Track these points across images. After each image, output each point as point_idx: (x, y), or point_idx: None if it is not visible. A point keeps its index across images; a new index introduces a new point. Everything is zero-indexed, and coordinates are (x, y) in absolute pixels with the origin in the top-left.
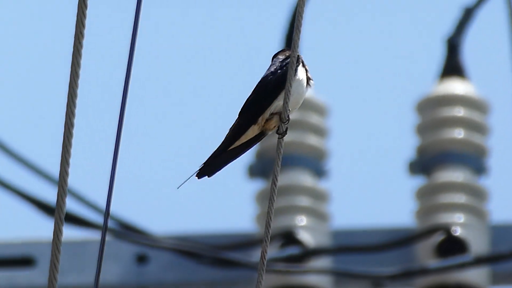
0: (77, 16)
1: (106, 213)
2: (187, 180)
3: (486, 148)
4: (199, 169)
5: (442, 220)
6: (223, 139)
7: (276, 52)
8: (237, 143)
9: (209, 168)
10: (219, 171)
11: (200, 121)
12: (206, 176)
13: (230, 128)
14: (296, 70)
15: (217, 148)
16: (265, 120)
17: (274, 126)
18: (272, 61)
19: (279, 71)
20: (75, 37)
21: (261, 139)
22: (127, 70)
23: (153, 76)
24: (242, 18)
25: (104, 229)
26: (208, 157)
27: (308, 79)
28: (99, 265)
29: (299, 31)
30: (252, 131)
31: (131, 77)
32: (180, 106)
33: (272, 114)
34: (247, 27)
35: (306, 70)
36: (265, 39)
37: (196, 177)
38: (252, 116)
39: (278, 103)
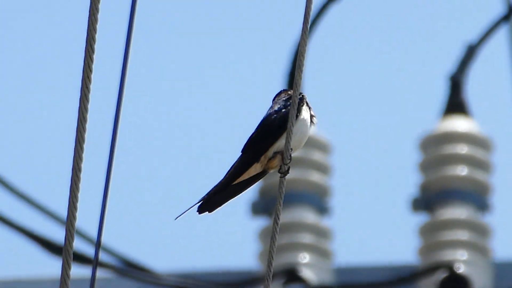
0: (83, 74)
1: (97, 246)
2: (186, 212)
3: (489, 185)
4: (200, 204)
5: (445, 257)
6: (224, 175)
7: (278, 91)
8: (239, 180)
9: (210, 204)
10: (220, 207)
11: (205, 157)
12: (207, 212)
13: (232, 165)
14: (299, 109)
15: (218, 184)
16: (268, 158)
17: (277, 165)
18: (274, 101)
19: (283, 110)
20: (82, 85)
21: (263, 176)
22: (116, 110)
23: (153, 111)
24: (245, 58)
25: (95, 262)
26: (208, 191)
27: (311, 117)
28: None
29: (301, 71)
30: (254, 169)
31: (128, 115)
32: (185, 141)
33: (275, 153)
34: (250, 67)
35: (310, 108)
36: (267, 78)
37: (198, 213)
38: (255, 154)
39: (281, 142)
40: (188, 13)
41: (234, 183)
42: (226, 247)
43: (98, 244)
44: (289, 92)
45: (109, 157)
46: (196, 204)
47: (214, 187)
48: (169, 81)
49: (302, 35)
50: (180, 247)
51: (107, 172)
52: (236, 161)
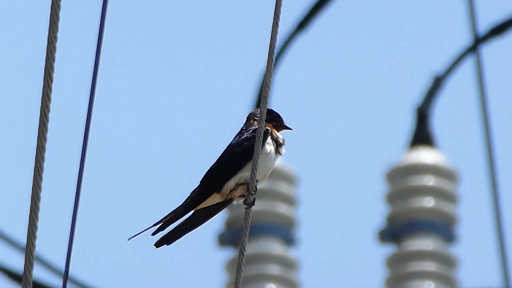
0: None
1: (65, 276)
2: (139, 234)
3: (455, 216)
4: (158, 240)
5: None
6: (182, 203)
7: (251, 112)
8: (199, 208)
9: (169, 236)
10: (178, 240)
11: (169, 183)
12: (166, 245)
13: (190, 194)
14: (264, 143)
15: (174, 211)
16: (229, 190)
17: (240, 196)
18: (241, 129)
19: (245, 142)
20: (41, 111)
21: (225, 207)
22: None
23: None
24: (215, 77)
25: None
26: (164, 217)
27: (278, 147)
28: None
29: (266, 102)
30: (213, 199)
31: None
32: (152, 164)
33: (237, 185)
34: (218, 86)
35: (277, 138)
36: (236, 96)
37: (155, 247)
38: (214, 184)
39: (243, 174)
40: (161, 27)
41: (194, 210)
42: (193, 278)
43: (66, 275)
44: (256, 118)
45: (77, 187)
46: (151, 227)
47: (170, 213)
48: (133, 98)
49: (267, 67)
50: (147, 278)
51: (74, 203)
52: (194, 191)
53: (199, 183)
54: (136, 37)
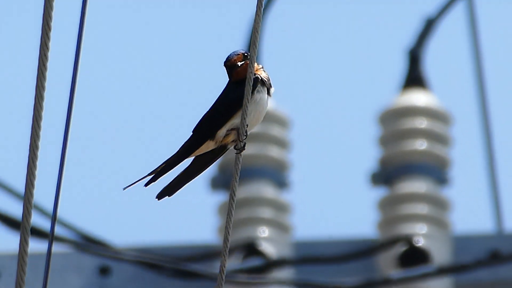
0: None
1: (53, 220)
2: (135, 183)
3: (448, 159)
4: (160, 191)
5: (405, 231)
6: (174, 153)
7: (234, 53)
8: (194, 155)
9: (169, 188)
10: (180, 190)
11: (164, 129)
12: (167, 196)
13: (183, 144)
14: (254, 90)
15: (168, 160)
16: (222, 137)
17: (233, 141)
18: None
19: (236, 90)
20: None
21: (223, 153)
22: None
23: (107, 84)
24: (203, 18)
25: (51, 236)
26: (159, 165)
27: (268, 90)
28: (46, 275)
29: (256, 47)
30: (207, 146)
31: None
32: (143, 112)
33: (229, 130)
34: (208, 28)
35: (266, 80)
36: (226, 42)
37: (157, 199)
38: (206, 133)
39: (234, 121)
40: None
41: (194, 158)
42: (186, 221)
43: (54, 218)
44: (245, 55)
45: (65, 132)
46: (146, 176)
47: (164, 163)
48: (123, 46)
49: (256, 11)
50: (139, 222)
51: (63, 145)
52: (187, 140)
53: (192, 132)
54: None
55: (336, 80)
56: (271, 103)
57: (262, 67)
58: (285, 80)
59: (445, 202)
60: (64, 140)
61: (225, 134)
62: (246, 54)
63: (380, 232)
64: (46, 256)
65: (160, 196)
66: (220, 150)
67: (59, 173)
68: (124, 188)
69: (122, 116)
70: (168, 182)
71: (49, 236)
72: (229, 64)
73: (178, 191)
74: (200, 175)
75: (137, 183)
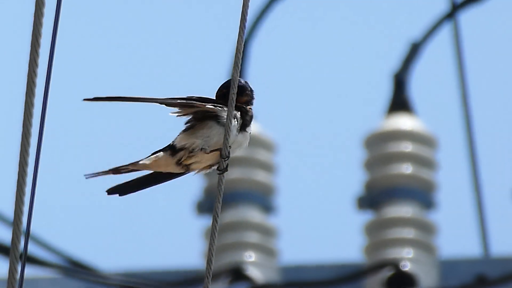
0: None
1: (27, 236)
2: (98, 174)
3: (434, 183)
4: (113, 187)
5: (391, 255)
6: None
7: (222, 86)
8: (144, 168)
9: (123, 187)
10: (131, 193)
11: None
12: (118, 195)
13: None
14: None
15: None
16: (186, 156)
17: (200, 167)
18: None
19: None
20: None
21: (181, 175)
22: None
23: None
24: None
25: (24, 255)
26: (120, 165)
27: (244, 126)
28: None
29: (238, 67)
30: (165, 162)
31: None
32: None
33: (190, 151)
34: (193, 55)
35: (248, 118)
36: (211, 67)
37: (106, 193)
38: (170, 145)
39: (195, 140)
40: None
41: (147, 170)
42: (171, 246)
43: (27, 234)
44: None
45: (36, 154)
46: (109, 171)
47: (129, 164)
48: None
49: (239, 32)
50: (125, 246)
51: (35, 167)
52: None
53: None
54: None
55: (321, 103)
56: (254, 129)
57: (252, 101)
58: (270, 104)
59: (431, 226)
60: (36, 162)
61: (184, 151)
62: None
63: (367, 256)
64: (18, 280)
65: (111, 191)
66: (180, 170)
67: (31, 192)
68: (86, 177)
69: (107, 136)
70: (124, 182)
71: (38, 261)
72: (244, 100)
73: (129, 193)
74: (153, 186)
75: (99, 175)
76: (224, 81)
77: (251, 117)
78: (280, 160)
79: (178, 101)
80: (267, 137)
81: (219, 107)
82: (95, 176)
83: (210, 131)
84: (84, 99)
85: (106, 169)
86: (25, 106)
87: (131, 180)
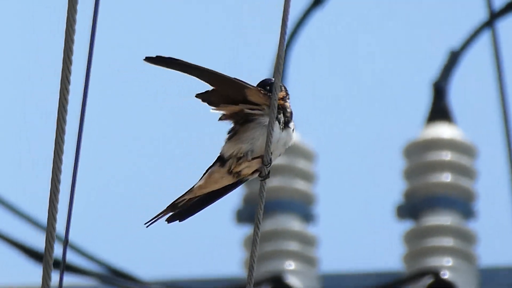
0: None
1: (65, 245)
2: (157, 218)
3: (473, 192)
4: (170, 214)
5: (431, 264)
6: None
7: (263, 81)
8: (206, 188)
9: (182, 212)
10: (191, 217)
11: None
12: (178, 221)
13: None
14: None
15: (190, 191)
16: (233, 163)
17: (247, 173)
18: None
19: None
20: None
21: (237, 186)
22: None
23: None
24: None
25: (63, 263)
26: (179, 198)
27: (286, 123)
28: None
29: (280, 74)
30: (219, 175)
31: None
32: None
33: (238, 157)
34: (232, 61)
35: (288, 114)
36: (251, 73)
37: (166, 222)
38: (218, 157)
39: (241, 145)
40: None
41: (206, 191)
42: (211, 254)
43: (65, 243)
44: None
45: (75, 159)
46: (167, 209)
47: (186, 194)
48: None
49: (280, 39)
50: (164, 254)
51: (74, 169)
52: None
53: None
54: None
55: (361, 112)
56: (294, 138)
57: (288, 96)
58: (310, 113)
59: (470, 234)
60: (74, 171)
61: (233, 159)
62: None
63: (406, 265)
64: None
65: (170, 219)
66: (236, 182)
67: (70, 201)
68: (146, 224)
69: (148, 148)
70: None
71: (77, 270)
72: (281, 95)
73: (189, 218)
74: (212, 204)
75: (158, 218)
76: (260, 81)
77: (291, 113)
78: (320, 169)
79: (236, 80)
80: (306, 145)
81: (267, 94)
82: (155, 220)
83: (254, 132)
84: (146, 58)
85: (162, 209)
86: (59, 104)
87: (187, 203)
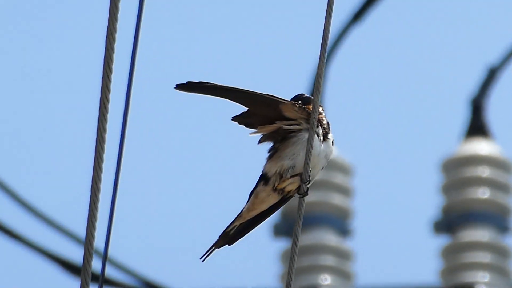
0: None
1: (104, 260)
2: (211, 252)
3: (510, 207)
4: (220, 239)
5: (467, 279)
6: (243, 208)
7: (297, 96)
8: (255, 209)
9: (231, 236)
10: (241, 239)
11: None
12: (227, 245)
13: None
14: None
15: (238, 217)
16: (277, 181)
17: (291, 189)
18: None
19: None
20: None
21: (285, 203)
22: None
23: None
24: (267, 68)
25: (101, 277)
26: (228, 224)
27: (325, 134)
28: None
29: (319, 92)
30: (266, 194)
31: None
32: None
33: (281, 174)
34: (271, 78)
35: (325, 126)
36: (289, 89)
37: (216, 248)
38: (261, 177)
39: (283, 162)
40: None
41: (254, 213)
42: (248, 267)
43: (104, 258)
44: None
45: (116, 173)
46: (219, 240)
47: (235, 221)
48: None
49: (320, 57)
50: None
51: (114, 181)
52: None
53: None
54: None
55: (399, 127)
56: (334, 150)
57: (323, 111)
58: (348, 128)
59: (507, 250)
60: (114, 183)
61: (276, 177)
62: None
63: (443, 279)
64: None
65: (219, 245)
66: (281, 200)
67: (109, 215)
68: (202, 258)
69: (186, 164)
70: (227, 229)
71: (110, 282)
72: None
73: (238, 241)
74: (260, 224)
75: (212, 250)
76: (292, 97)
77: (328, 123)
78: (357, 184)
79: (269, 96)
80: (344, 160)
81: (302, 107)
82: (209, 254)
83: (294, 147)
84: (177, 86)
85: (214, 241)
86: (99, 114)
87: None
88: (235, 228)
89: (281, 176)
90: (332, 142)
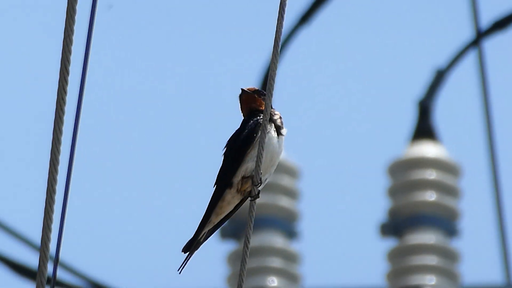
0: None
1: (55, 262)
2: (187, 261)
3: (457, 210)
4: (193, 248)
5: (414, 282)
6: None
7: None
8: (224, 212)
9: (197, 243)
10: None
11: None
12: (195, 250)
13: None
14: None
15: (202, 220)
16: (240, 183)
17: (248, 188)
18: (244, 118)
19: (244, 132)
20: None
21: (242, 203)
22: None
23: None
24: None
25: (53, 280)
26: (195, 231)
27: (278, 129)
28: None
29: (271, 95)
30: (231, 196)
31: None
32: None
33: (245, 178)
34: (222, 80)
35: (275, 121)
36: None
37: (183, 252)
38: (223, 181)
39: (247, 165)
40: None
41: (220, 216)
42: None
43: (56, 260)
44: (258, 91)
45: (66, 180)
46: (193, 251)
47: (199, 225)
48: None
49: (272, 59)
50: (150, 268)
51: (66, 184)
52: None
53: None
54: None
55: (346, 130)
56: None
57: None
58: (294, 130)
59: (454, 253)
60: (66, 186)
61: (239, 179)
62: (260, 91)
63: (390, 282)
64: None
65: (186, 250)
66: (241, 201)
67: (61, 217)
68: (179, 270)
69: (141, 159)
70: (196, 236)
71: (61, 284)
72: (241, 95)
73: (199, 246)
74: (219, 228)
75: (188, 260)
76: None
77: (280, 117)
78: (304, 186)
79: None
80: (291, 163)
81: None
82: (184, 265)
83: (256, 151)
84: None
85: (182, 252)
86: (54, 124)
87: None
88: (205, 234)
89: (243, 178)
90: (284, 137)
